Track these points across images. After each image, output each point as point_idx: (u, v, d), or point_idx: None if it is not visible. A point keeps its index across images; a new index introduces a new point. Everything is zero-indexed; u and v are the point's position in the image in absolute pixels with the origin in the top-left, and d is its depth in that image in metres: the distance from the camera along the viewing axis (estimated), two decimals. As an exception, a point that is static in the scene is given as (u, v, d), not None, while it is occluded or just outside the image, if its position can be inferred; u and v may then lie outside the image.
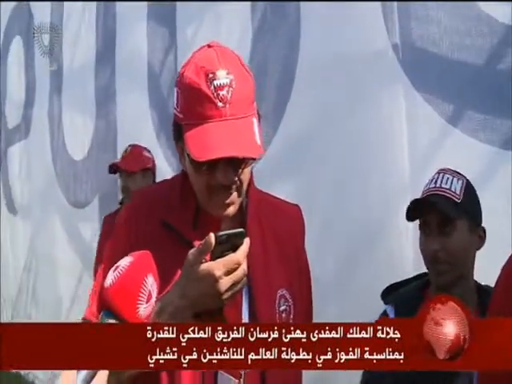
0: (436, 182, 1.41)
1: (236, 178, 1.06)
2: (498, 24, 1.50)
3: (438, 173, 1.44)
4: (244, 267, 1.03)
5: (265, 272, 1.13)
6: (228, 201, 1.08)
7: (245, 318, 1.09)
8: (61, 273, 3.80)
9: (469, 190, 1.42)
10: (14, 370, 4.53)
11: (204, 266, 1.00)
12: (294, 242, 1.22)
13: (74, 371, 0.73)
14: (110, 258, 1.15)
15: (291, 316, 1.15)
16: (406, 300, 1.43)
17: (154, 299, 0.82)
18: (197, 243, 1.05)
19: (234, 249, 1.02)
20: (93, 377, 0.75)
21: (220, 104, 1.02)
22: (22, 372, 4.39)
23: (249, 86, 1.08)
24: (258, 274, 1.11)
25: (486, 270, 1.44)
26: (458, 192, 1.39)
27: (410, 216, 1.44)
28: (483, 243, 1.43)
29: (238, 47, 2.41)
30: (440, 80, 1.64)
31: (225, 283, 1.00)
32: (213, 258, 1.02)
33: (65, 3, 3.83)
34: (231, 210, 1.09)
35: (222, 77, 1.02)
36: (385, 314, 1.44)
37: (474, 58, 1.56)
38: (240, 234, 1.02)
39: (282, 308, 1.13)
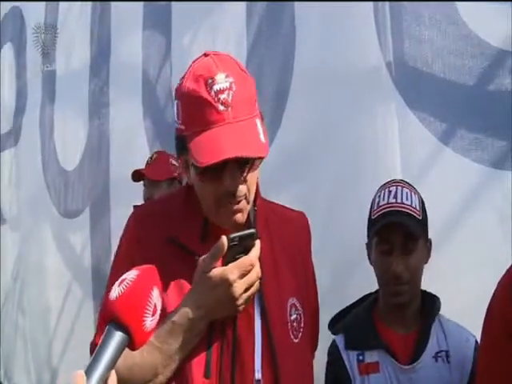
0: (396, 196, 1.31)
1: (243, 184, 1.04)
2: (489, 46, 1.54)
3: (396, 185, 1.34)
4: (257, 269, 1.02)
5: (276, 280, 1.11)
6: (236, 207, 1.05)
7: (257, 328, 1.06)
8: (49, 283, 3.77)
9: (423, 204, 1.34)
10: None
11: (217, 272, 0.99)
12: (301, 250, 1.21)
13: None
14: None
15: (302, 324, 1.13)
16: (354, 326, 1.37)
17: (158, 312, 0.82)
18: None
19: (246, 251, 1.01)
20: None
21: (222, 108, 1.00)
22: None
23: (250, 87, 1.06)
24: (270, 282, 1.09)
25: (475, 288, 1.46)
26: (418, 208, 1.31)
27: (369, 234, 1.34)
28: (430, 255, 1.37)
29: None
30: (432, 99, 1.67)
31: (240, 287, 0.99)
32: (225, 263, 0.99)
33: (59, 10, 3.82)
34: (239, 217, 1.06)
35: (222, 81, 1.01)
36: (334, 344, 1.38)
37: (465, 79, 1.59)
38: (251, 235, 1.00)
39: (293, 317, 1.12)
